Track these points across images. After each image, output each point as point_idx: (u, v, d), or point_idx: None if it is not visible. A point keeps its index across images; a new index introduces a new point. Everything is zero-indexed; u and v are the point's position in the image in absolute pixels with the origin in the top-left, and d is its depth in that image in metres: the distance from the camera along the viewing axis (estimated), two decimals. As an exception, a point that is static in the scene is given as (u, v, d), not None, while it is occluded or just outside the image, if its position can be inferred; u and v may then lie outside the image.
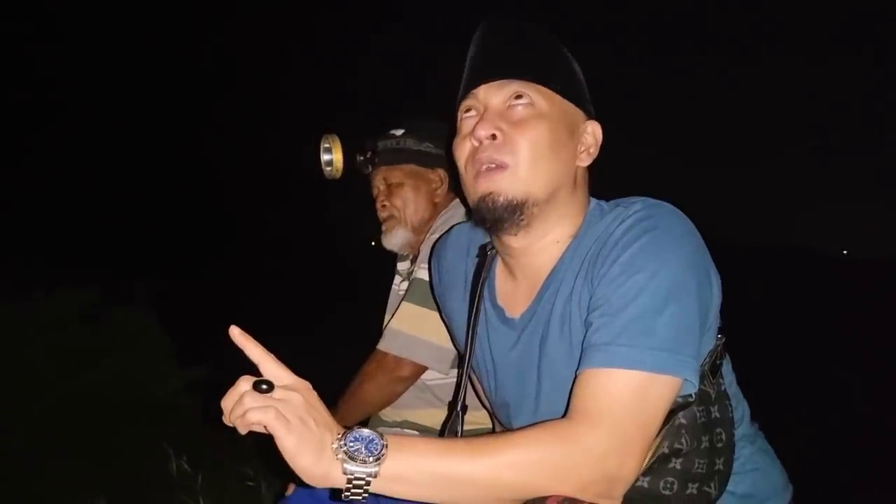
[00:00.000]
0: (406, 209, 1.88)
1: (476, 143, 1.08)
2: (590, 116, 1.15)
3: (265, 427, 0.84)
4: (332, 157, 1.90)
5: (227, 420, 0.88)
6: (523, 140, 1.07)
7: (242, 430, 0.87)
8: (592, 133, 1.15)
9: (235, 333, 0.90)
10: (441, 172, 1.90)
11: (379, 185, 1.92)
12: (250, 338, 0.90)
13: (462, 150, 1.12)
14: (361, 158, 1.92)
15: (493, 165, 1.07)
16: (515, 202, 1.06)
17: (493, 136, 1.07)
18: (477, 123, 1.08)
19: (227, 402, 0.87)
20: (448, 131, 1.22)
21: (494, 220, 1.08)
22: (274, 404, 0.84)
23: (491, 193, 1.07)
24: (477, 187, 1.09)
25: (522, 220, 1.08)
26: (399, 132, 1.90)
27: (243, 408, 0.85)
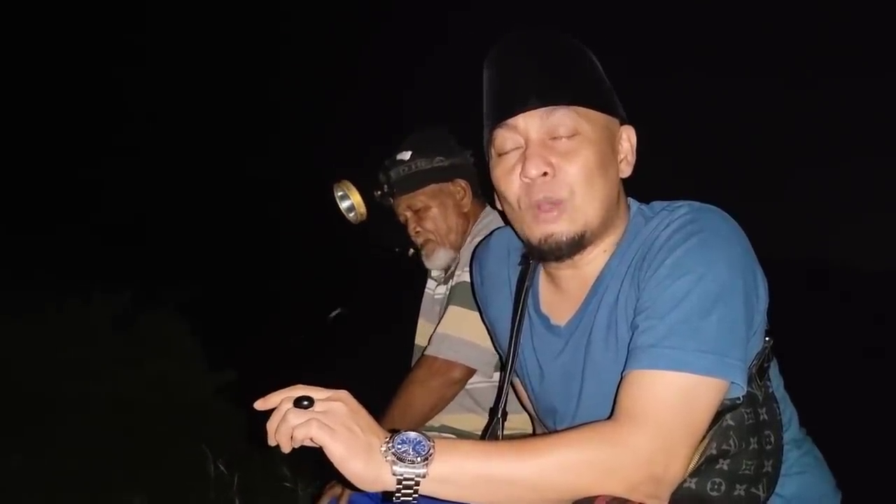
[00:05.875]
0: (439, 230, 1.87)
1: (527, 181, 1.06)
2: (623, 122, 1.14)
3: (312, 439, 0.87)
4: (351, 201, 1.90)
5: (272, 440, 0.91)
6: (576, 172, 1.05)
7: (286, 449, 0.90)
8: (628, 139, 1.14)
9: (259, 406, 0.93)
10: (462, 182, 1.89)
11: (405, 213, 1.91)
12: (271, 396, 0.93)
13: (510, 186, 1.09)
14: (379, 193, 1.90)
15: (550, 205, 1.05)
16: (576, 237, 1.06)
17: (545, 173, 1.05)
18: (526, 161, 1.05)
19: (272, 424, 0.90)
20: (477, 142, 1.21)
21: (557, 258, 1.09)
22: (316, 416, 0.87)
23: (553, 235, 1.06)
24: (535, 230, 1.07)
25: (583, 249, 1.09)
26: (407, 155, 1.87)
27: (288, 425, 0.88)
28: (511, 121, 1.07)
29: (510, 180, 1.09)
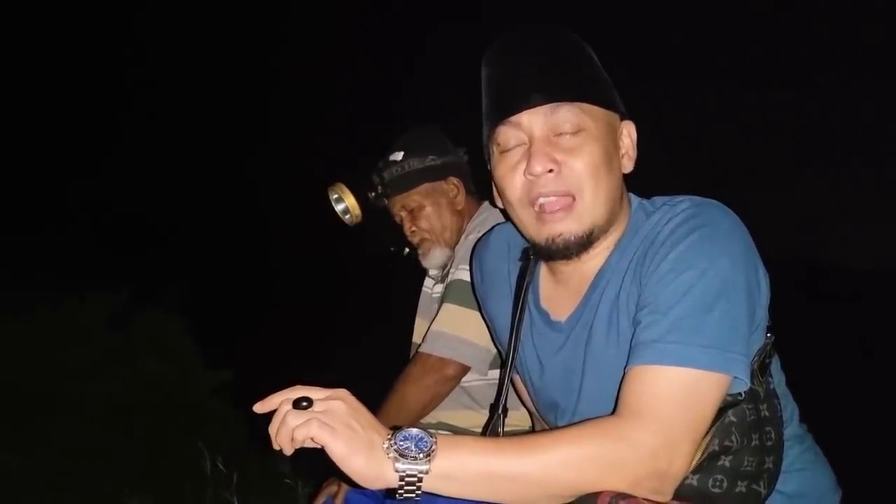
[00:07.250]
0: (434, 229, 1.88)
1: (531, 178, 1.05)
2: (623, 117, 1.14)
3: (312, 439, 0.87)
4: (346, 204, 1.91)
5: (275, 444, 0.91)
6: (582, 168, 1.04)
7: (288, 451, 0.90)
8: (629, 134, 1.14)
9: (258, 409, 0.94)
10: (454, 180, 1.89)
11: (400, 213, 1.92)
12: (270, 398, 0.93)
13: (513, 184, 1.08)
14: (373, 194, 1.91)
15: (557, 206, 1.04)
16: (584, 236, 1.06)
17: (550, 170, 1.04)
18: (531, 158, 1.04)
19: (273, 428, 0.90)
20: (480, 141, 1.20)
21: (564, 256, 1.08)
22: (316, 416, 0.87)
23: (561, 234, 1.05)
24: (542, 230, 1.07)
25: (590, 247, 1.08)
26: (399, 156, 1.87)
27: (288, 427, 0.88)
28: (514, 118, 1.06)
29: (513, 177, 1.08)
